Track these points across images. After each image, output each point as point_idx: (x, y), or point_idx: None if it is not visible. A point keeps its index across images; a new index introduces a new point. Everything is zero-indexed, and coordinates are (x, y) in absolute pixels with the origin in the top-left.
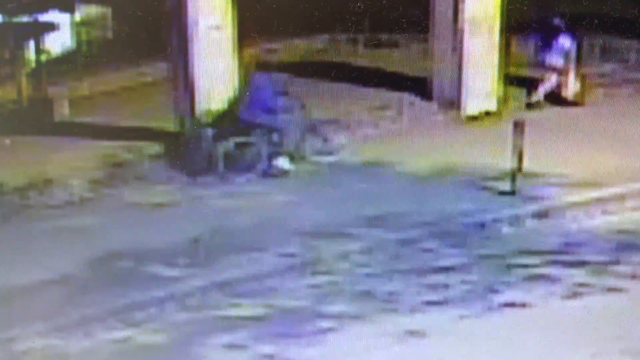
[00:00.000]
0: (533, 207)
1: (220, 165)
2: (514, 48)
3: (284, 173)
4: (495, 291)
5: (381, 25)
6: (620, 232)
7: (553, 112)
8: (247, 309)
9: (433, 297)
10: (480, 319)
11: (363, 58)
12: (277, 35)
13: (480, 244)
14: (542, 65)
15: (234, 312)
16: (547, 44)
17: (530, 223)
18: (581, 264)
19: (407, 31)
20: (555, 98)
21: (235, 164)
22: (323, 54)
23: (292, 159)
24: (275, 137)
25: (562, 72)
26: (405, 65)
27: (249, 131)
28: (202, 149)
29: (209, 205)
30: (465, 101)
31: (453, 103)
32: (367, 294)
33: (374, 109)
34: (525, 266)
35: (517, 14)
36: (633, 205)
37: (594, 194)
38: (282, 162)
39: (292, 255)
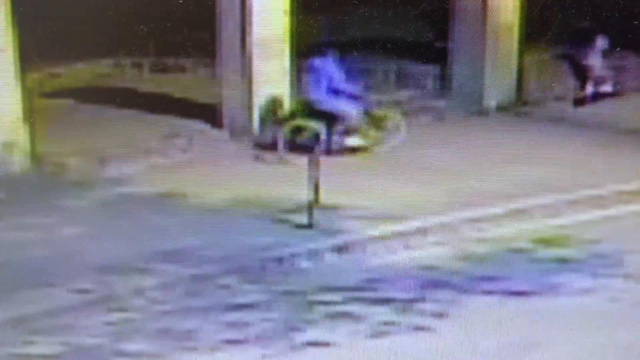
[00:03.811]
0: (332, 241)
1: (280, 144)
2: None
3: (353, 150)
4: (297, 329)
5: (167, 49)
6: (424, 267)
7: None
8: (42, 346)
9: (233, 335)
10: (283, 359)
11: (149, 83)
12: (60, 59)
13: (279, 279)
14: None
15: (28, 349)
16: (581, 45)
17: (329, 258)
18: (385, 301)
19: (193, 55)
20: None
21: (296, 144)
22: (108, 78)
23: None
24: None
25: (599, 70)
26: (194, 91)
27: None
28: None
29: None
30: (257, 129)
31: (245, 131)
32: (165, 332)
33: (162, 137)
34: (327, 303)
35: (307, 37)
36: (436, 240)
37: (395, 227)
38: (352, 140)
39: (86, 290)
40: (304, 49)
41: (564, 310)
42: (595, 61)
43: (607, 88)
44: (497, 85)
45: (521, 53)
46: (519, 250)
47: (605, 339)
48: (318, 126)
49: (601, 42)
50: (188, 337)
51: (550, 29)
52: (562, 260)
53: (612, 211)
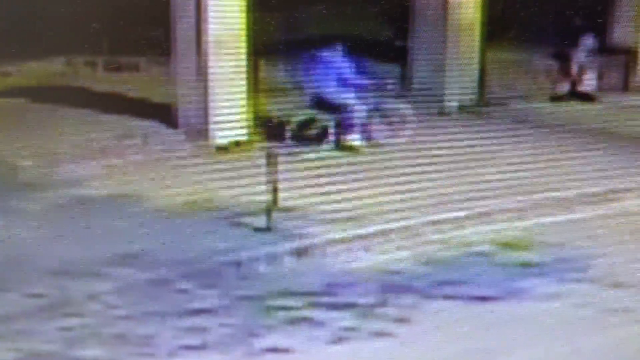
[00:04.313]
0: (291, 245)
1: (288, 137)
2: (262, 72)
3: (353, 149)
4: (255, 335)
5: (120, 47)
6: (385, 271)
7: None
8: None
9: (191, 341)
10: None
11: (103, 82)
12: (10, 58)
13: (237, 284)
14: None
15: None
16: (571, 43)
17: (288, 262)
18: (345, 306)
19: (148, 54)
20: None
21: (303, 137)
22: (60, 77)
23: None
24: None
25: (582, 68)
26: (148, 91)
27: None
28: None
29: None
30: (213, 130)
31: (200, 132)
32: (121, 337)
33: (117, 137)
34: (286, 308)
35: (263, 35)
36: (398, 243)
37: (356, 230)
38: (352, 139)
39: (40, 295)
40: (261, 47)
41: (528, 315)
42: (581, 60)
43: (587, 88)
44: (459, 84)
45: (483, 52)
46: (482, 254)
47: (570, 345)
48: (327, 119)
49: (589, 42)
50: (145, 343)
51: (513, 27)
52: (526, 265)
53: (577, 214)
